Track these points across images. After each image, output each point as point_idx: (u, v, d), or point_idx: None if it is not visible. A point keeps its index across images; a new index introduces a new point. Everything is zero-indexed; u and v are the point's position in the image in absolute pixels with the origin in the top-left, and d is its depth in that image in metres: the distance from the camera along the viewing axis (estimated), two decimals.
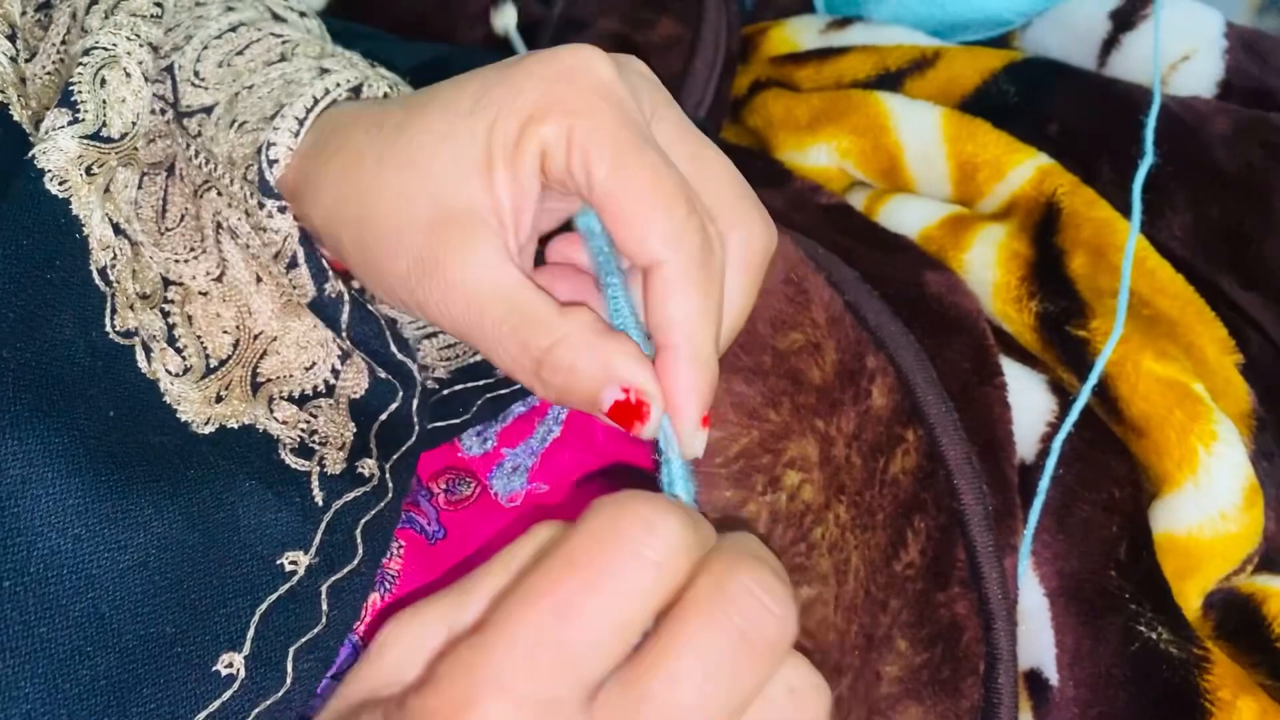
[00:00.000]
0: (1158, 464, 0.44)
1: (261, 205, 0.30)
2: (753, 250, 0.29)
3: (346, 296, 0.31)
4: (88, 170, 0.31)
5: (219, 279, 0.33)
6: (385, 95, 0.33)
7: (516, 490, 0.38)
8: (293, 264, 0.31)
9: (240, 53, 0.34)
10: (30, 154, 0.30)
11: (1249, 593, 0.43)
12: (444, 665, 0.21)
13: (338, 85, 0.31)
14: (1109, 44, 0.58)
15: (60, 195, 0.30)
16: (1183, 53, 0.57)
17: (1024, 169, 0.52)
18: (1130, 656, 0.39)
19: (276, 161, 0.30)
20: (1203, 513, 0.42)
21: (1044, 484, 0.43)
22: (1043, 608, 0.42)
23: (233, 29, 0.36)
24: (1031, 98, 0.54)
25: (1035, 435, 0.45)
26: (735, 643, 0.21)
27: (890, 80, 0.56)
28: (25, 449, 0.26)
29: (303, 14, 0.42)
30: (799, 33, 0.62)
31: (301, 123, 0.30)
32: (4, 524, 0.25)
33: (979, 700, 0.39)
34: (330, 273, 0.31)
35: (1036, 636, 0.42)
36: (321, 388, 0.33)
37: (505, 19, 0.34)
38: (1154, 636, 0.39)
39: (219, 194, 0.32)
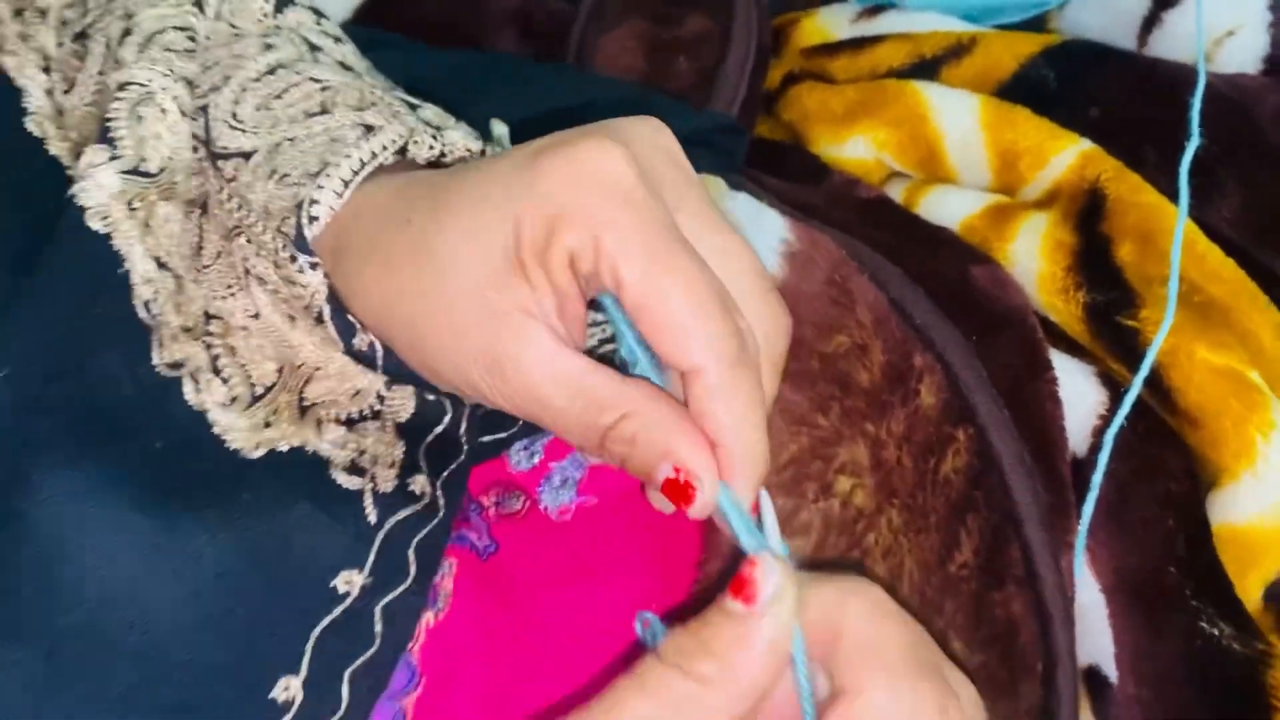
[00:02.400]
0: (1214, 455, 0.43)
1: (294, 259, 0.30)
2: (774, 346, 0.30)
3: (379, 346, 0.31)
4: (129, 205, 0.31)
5: (255, 316, 0.33)
6: (429, 148, 0.32)
7: (566, 503, 0.38)
8: (319, 320, 0.31)
9: (279, 96, 0.34)
10: (70, 192, 0.30)
11: None
12: None
13: (384, 148, 0.31)
14: (1150, 22, 0.57)
15: (102, 231, 0.30)
16: (1227, 28, 0.55)
17: (1066, 155, 0.51)
18: (1192, 655, 0.39)
19: (317, 219, 0.30)
20: (1262, 503, 0.42)
21: (1097, 478, 0.42)
22: (1099, 604, 0.42)
23: (271, 71, 0.35)
24: (1071, 82, 0.53)
25: (1087, 429, 0.44)
26: None
27: (926, 69, 0.56)
28: (76, 487, 0.26)
29: (339, 39, 0.42)
30: (831, 22, 0.61)
31: (347, 184, 0.30)
32: (59, 562, 0.26)
33: (1038, 701, 0.39)
34: (358, 327, 0.31)
35: (1094, 633, 0.42)
36: (368, 412, 0.33)
37: (498, 130, 0.35)
38: (1216, 633, 0.39)
39: (248, 241, 0.32)
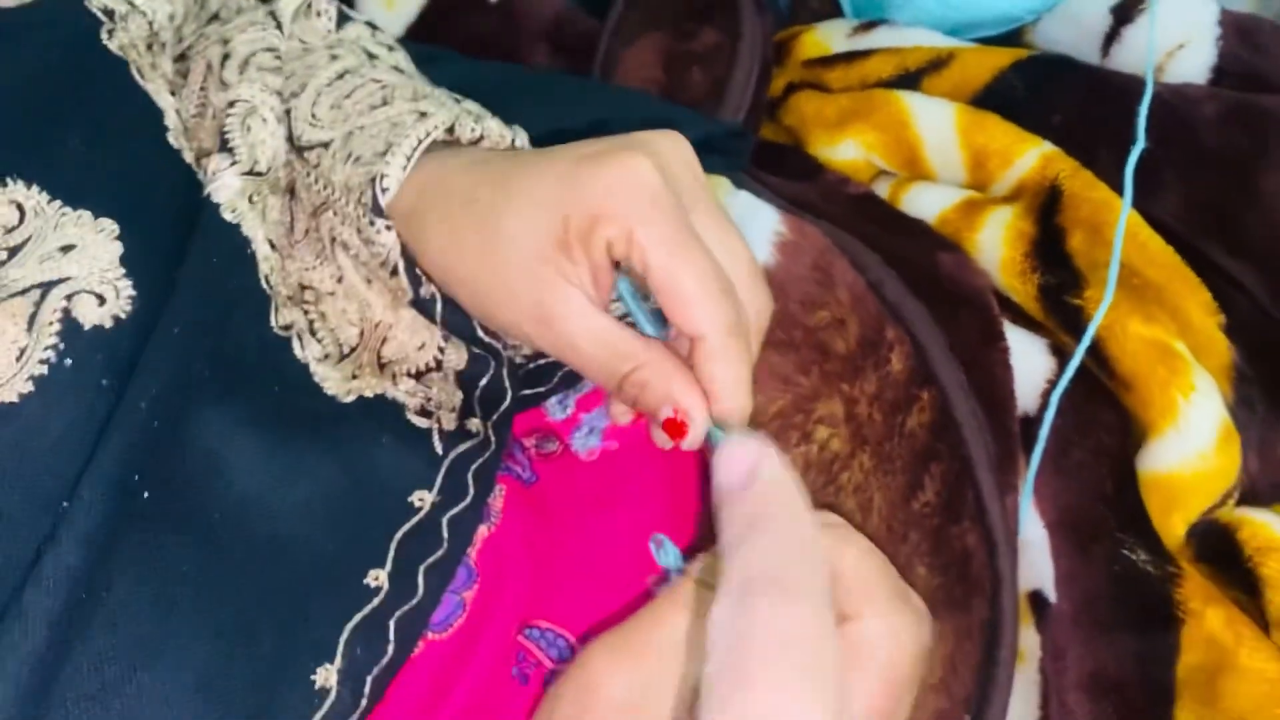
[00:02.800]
0: (1144, 414, 0.50)
1: (372, 223, 0.38)
2: (760, 320, 0.38)
3: (439, 296, 0.39)
4: (250, 200, 0.39)
5: (339, 281, 0.41)
6: (471, 130, 0.40)
7: (593, 447, 0.46)
8: (394, 272, 0.39)
9: (348, 96, 0.42)
10: (206, 191, 0.38)
11: (1226, 521, 0.50)
12: None
13: (436, 128, 0.39)
14: (1110, 37, 0.64)
15: (233, 221, 0.38)
16: (1178, 41, 0.62)
17: (1030, 156, 0.58)
18: (1114, 575, 0.46)
19: (388, 190, 0.38)
20: (1182, 454, 0.49)
21: (1043, 432, 0.50)
22: (1043, 539, 0.49)
23: (340, 76, 0.44)
24: (1037, 91, 0.60)
25: (1036, 391, 0.52)
26: None
27: (909, 80, 0.63)
28: (220, 418, 0.34)
29: (391, 47, 0.50)
30: (829, 36, 0.69)
31: (409, 159, 0.38)
32: (212, 474, 0.34)
33: (986, 615, 0.46)
34: (423, 279, 0.39)
35: (1038, 563, 0.49)
36: (432, 363, 0.41)
37: (520, 139, 0.45)
38: (1134, 558, 0.46)
39: (334, 214, 0.41)
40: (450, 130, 0.40)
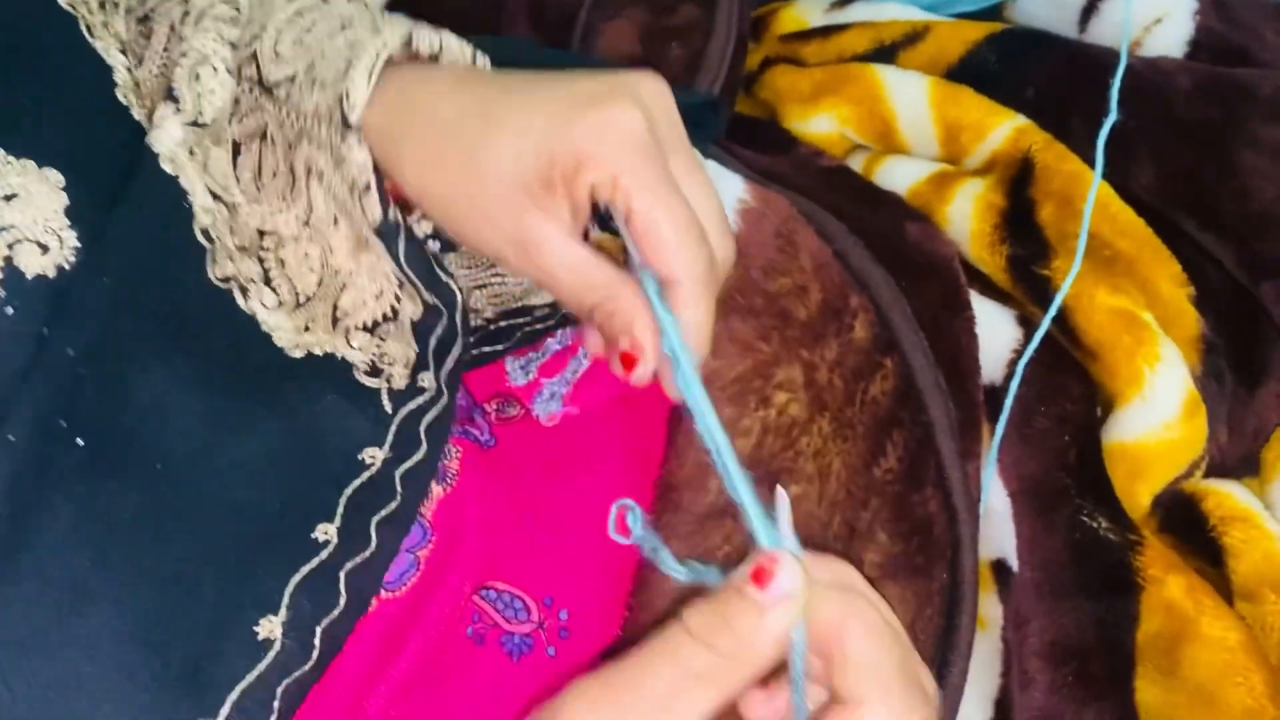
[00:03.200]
0: (1110, 383, 0.50)
1: (344, 139, 0.38)
2: (724, 267, 0.38)
3: (401, 225, 0.39)
4: (190, 151, 0.39)
5: (306, 223, 0.41)
6: (428, 41, 0.40)
7: (554, 412, 0.46)
8: (366, 189, 0.39)
9: (309, 31, 0.42)
10: (147, 140, 0.38)
11: (1191, 491, 0.50)
12: None
13: (392, 38, 0.39)
14: (1088, 11, 0.64)
15: (171, 173, 0.38)
16: (1155, 16, 0.62)
17: (1003, 129, 0.58)
18: (1075, 543, 0.46)
19: (355, 105, 0.38)
20: (1148, 423, 0.49)
21: (1008, 401, 0.50)
22: (1006, 507, 0.49)
23: (299, 13, 0.44)
24: (1011, 65, 0.60)
25: (1003, 361, 0.52)
26: None
27: (885, 53, 0.63)
28: (163, 369, 0.35)
29: None
30: (806, 11, 0.69)
31: (370, 71, 0.38)
32: (153, 425, 0.34)
33: (946, 581, 0.46)
34: (390, 199, 0.39)
35: (1001, 531, 0.49)
36: (389, 313, 0.41)
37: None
38: (1095, 526, 0.46)
39: (309, 141, 0.41)
40: (409, 44, 0.40)
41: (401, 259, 0.40)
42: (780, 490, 0.34)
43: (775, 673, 0.33)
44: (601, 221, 0.40)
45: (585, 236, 0.38)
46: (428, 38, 0.40)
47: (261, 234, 0.41)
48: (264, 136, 0.42)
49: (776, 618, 0.31)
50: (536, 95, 0.37)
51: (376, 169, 0.39)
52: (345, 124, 0.38)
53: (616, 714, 0.31)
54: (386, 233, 0.40)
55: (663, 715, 0.30)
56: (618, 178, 0.34)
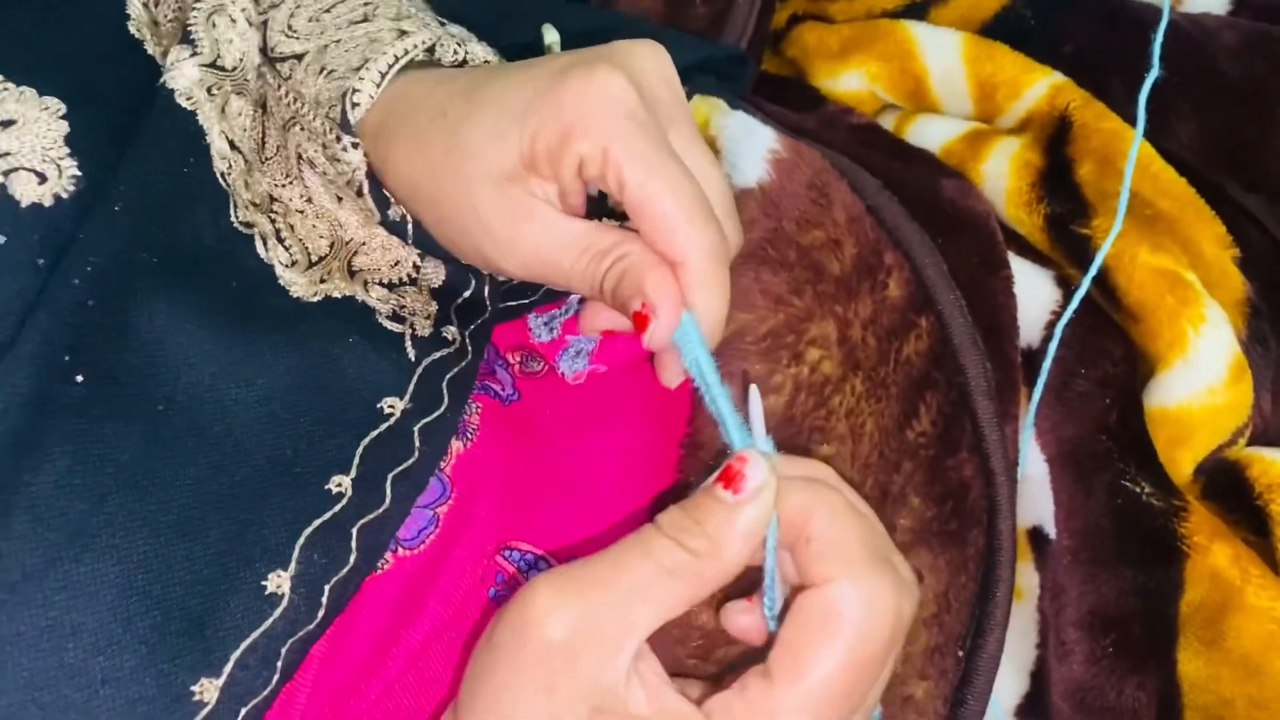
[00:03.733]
0: (1152, 346, 0.48)
1: (339, 139, 0.37)
2: (730, 250, 0.36)
3: (410, 219, 0.37)
4: (208, 91, 0.37)
5: (309, 200, 0.40)
6: (454, 52, 0.39)
7: (580, 370, 0.45)
8: (360, 193, 0.37)
9: (328, 10, 0.41)
10: (162, 79, 0.37)
11: (1235, 458, 0.48)
12: None
13: (415, 46, 0.37)
14: None
15: (188, 108, 0.36)
16: None
17: (1039, 87, 0.56)
18: (1116, 509, 0.45)
19: (359, 105, 0.36)
20: (1191, 387, 0.47)
21: (1047, 363, 0.48)
22: (1044, 473, 0.48)
23: None
24: (1047, 20, 0.58)
25: (1041, 323, 0.50)
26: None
27: (916, 10, 0.61)
28: (168, 306, 0.33)
29: None
30: None
31: (384, 75, 0.36)
32: (157, 363, 0.32)
33: (982, 547, 0.45)
34: (392, 200, 0.37)
35: (1038, 498, 0.48)
36: (406, 279, 0.40)
37: (550, 37, 0.41)
38: (1138, 490, 0.45)
39: (302, 129, 0.39)
40: (431, 51, 0.38)
41: (412, 242, 0.38)
42: (753, 388, 0.34)
43: (758, 585, 0.33)
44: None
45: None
46: (453, 48, 0.39)
47: (271, 198, 0.39)
48: (264, 108, 0.41)
49: (745, 514, 0.30)
50: (523, 72, 0.35)
51: (371, 170, 0.37)
52: (345, 122, 0.36)
53: (584, 604, 0.29)
54: (391, 225, 0.38)
55: (630, 607, 0.29)
56: (608, 149, 0.32)
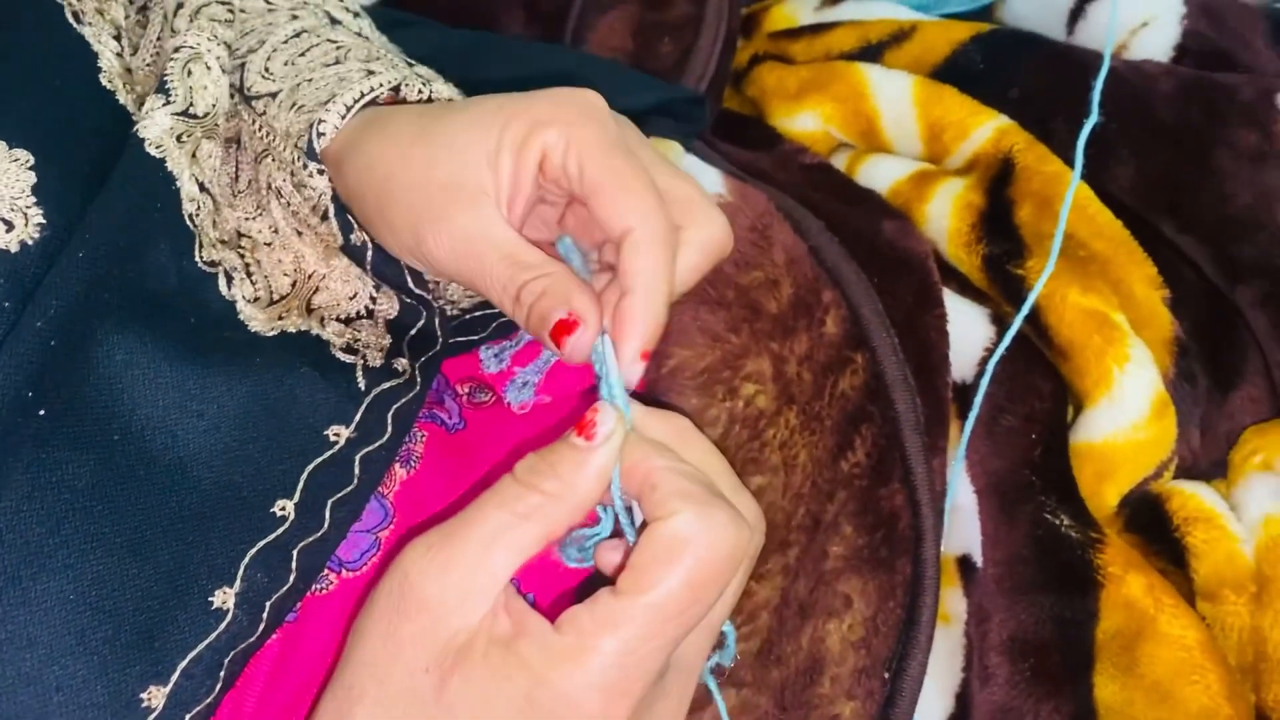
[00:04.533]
0: (1079, 383, 0.51)
1: (305, 167, 0.39)
2: (711, 239, 0.37)
3: (370, 244, 0.40)
4: (179, 139, 0.40)
5: (276, 232, 0.42)
6: (419, 92, 0.41)
7: (526, 400, 0.47)
8: (325, 217, 0.40)
9: (303, 54, 0.43)
10: (135, 127, 0.39)
11: (1157, 492, 0.50)
12: (608, 672, 0.30)
13: (381, 85, 0.40)
14: (1075, 14, 0.64)
15: (157, 156, 0.39)
16: (1142, 19, 0.62)
17: (985, 129, 0.58)
18: (1037, 539, 0.47)
19: (324, 135, 0.39)
20: (1116, 423, 0.49)
21: (978, 399, 0.50)
22: (973, 504, 0.50)
23: (297, 35, 0.45)
24: (995, 65, 0.61)
25: (974, 359, 0.52)
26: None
27: (871, 52, 0.63)
28: (125, 343, 0.35)
29: (356, 14, 0.51)
30: (797, 9, 0.69)
31: (349, 109, 0.39)
32: (114, 395, 0.35)
33: (909, 574, 0.47)
34: (355, 225, 0.40)
35: (967, 528, 0.50)
36: (363, 311, 0.42)
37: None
38: (1057, 522, 0.47)
39: (272, 159, 0.41)
40: (396, 90, 0.41)
41: (369, 269, 0.40)
42: (605, 338, 0.35)
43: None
44: None
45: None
46: (417, 87, 0.41)
47: (239, 234, 0.42)
48: (238, 143, 0.43)
49: (595, 457, 0.33)
50: (504, 95, 0.37)
51: (336, 195, 0.40)
52: (311, 150, 0.39)
53: (449, 554, 0.32)
54: (352, 251, 0.40)
55: (490, 551, 0.32)
56: (570, 138, 0.34)
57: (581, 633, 0.31)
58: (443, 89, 0.42)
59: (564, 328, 0.34)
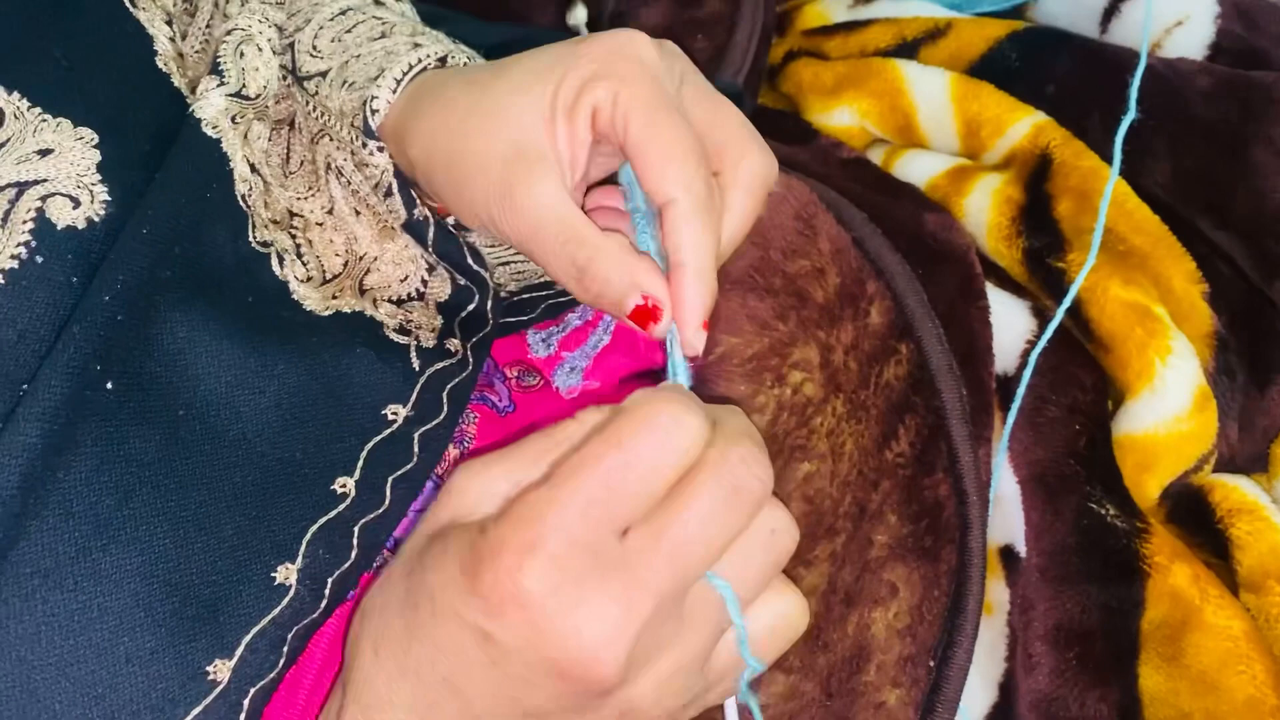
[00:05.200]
0: (1121, 375, 0.51)
1: (365, 145, 0.39)
2: (754, 174, 0.37)
3: (431, 219, 0.40)
4: (233, 120, 0.40)
5: (330, 212, 0.43)
6: (464, 65, 0.42)
7: (574, 385, 0.47)
8: (388, 193, 0.40)
9: (349, 31, 0.44)
10: (191, 108, 0.39)
11: (1199, 484, 0.50)
12: (518, 508, 0.28)
13: (429, 55, 0.40)
14: (1109, 13, 0.64)
15: (213, 137, 0.39)
16: (1176, 18, 0.63)
17: (1022, 125, 0.59)
18: (1083, 529, 0.47)
19: (378, 111, 0.39)
20: (1158, 415, 0.50)
21: (1020, 390, 0.51)
22: (1016, 494, 0.50)
23: (343, 12, 0.45)
24: (1032, 62, 0.61)
25: (1016, 351, 0.52)
26: (728, 496, 0.29)
27: (907, 49, 0.64)
28: (188, 319, 0.36)
29: None
30: (830, 7, 0.69)
31: (399, 82, 0.39)
32: (178, 371, 0.35)
33: (955, 563, 0.47)
34: (417, 199, 0.40)
35: (1011, 518, 0.50)
36: (414, 294, 0.42)
37: (577, 17, 0.43)
38: (1103, 512, 0.47)
39: (330, 139, 0.42)
40: (443, 62, 0.41)
41: (430, 246, 0.41)
42: (673, 331, 0.36)
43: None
44: None
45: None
46: (463, 60, 0.41)
47: (291, 214, 0.42)
48: (292, 125, 0.44)
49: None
50: (548, 47, 0.38)
51: (398, 170, 0.40)
52: (367, 129, 0.39)
53: (488, 458, 0.32)
54: (414, 227, 0.41)
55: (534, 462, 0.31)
56: (618, 94, 0.34)
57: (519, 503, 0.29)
58: (484, 61, 0.42)
59: (646, 314, 0.34)
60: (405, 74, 0.39)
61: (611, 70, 0.35)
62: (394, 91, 0.39)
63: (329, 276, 0.42)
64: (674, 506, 0.29)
